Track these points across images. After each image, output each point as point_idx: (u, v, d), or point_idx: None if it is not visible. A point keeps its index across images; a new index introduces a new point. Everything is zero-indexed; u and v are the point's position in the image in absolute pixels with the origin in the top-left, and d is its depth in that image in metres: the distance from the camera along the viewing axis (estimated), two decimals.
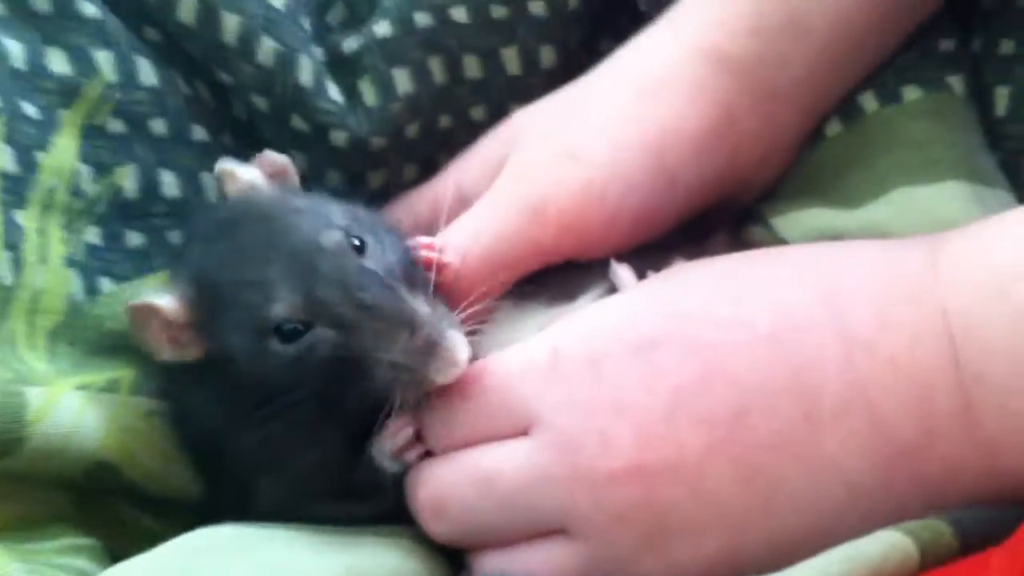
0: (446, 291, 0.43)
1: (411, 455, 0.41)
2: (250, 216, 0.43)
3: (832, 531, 0.35)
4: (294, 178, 0.46)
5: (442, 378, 0.40)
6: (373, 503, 0.42)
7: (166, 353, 0.42)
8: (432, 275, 0.43)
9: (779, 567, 0.34)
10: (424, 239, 0.44)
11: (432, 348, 0.39)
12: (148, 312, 0.41)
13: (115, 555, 0.41)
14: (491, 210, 0.45)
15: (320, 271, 0.40)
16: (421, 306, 0.40)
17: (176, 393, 0.44)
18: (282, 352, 0.40)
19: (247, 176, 0.45)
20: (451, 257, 0.43)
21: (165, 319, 0.41)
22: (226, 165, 0.45)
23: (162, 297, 0.41)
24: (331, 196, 0.47)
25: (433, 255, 0.43)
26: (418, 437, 0.42)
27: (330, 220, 0.42)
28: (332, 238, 0.41)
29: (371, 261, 0.41)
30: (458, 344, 0.40)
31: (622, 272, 0.45)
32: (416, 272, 0.42)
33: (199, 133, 0.49)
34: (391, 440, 0.41)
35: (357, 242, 0.42)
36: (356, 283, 0.40)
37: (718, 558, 0.37)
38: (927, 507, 0.35)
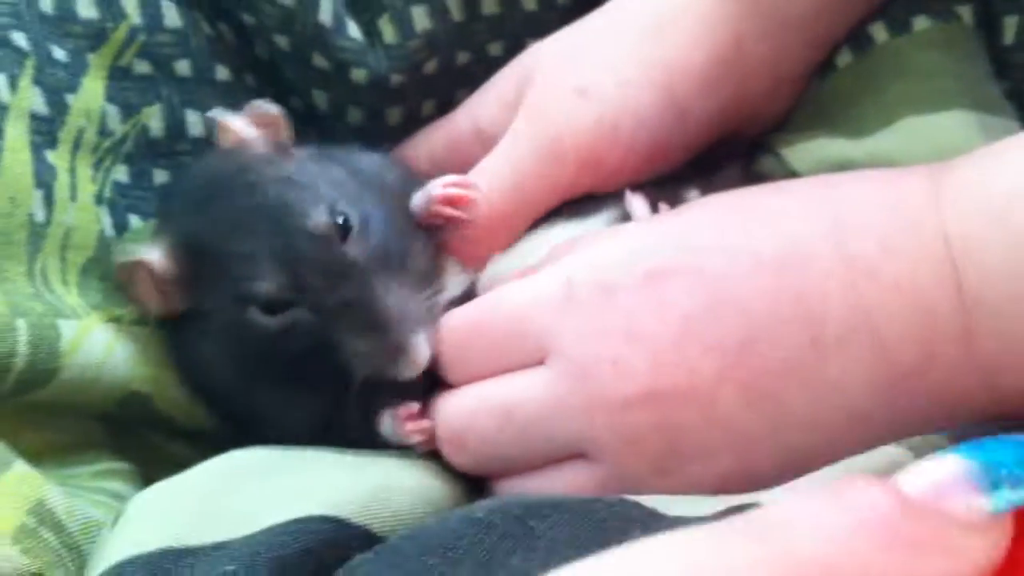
0: (469, 232, 0.45)
1: (416, 438, 0.43)
2: (237, 182, 0.44)
3: (836, 451, 0.36)
4: (286, 131, 0.46)
5: (404, 376, 0.42)
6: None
7: (153, 306, 0.44)
8: (456, 213, 0.45)
9: (785, 483, 0.35)
10: (451, 177, 0.46)
11: (397, 351, 0.41)
12: (137, 267, 0.43)
13: (149, 479, 0.42)
14: (509, 153, 0.46)
15: (304, 255, 0.41)
16: (394, 300, 0.42)
17: (173, 341, 0.45)
18: (262, 323, 0.42)
19: (239, 130, 0.45)
20: (476, 195, 0.45)
21: (152, 273, 0.43)
22: (219, 115, 0.45)
23: (150, 252, 0.43)
24: (331, 143, 0.48)
25: (457, 192, 0.45)
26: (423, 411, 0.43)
27: (317, 194, 0.43)
28: (318, 219, 0.42)
29: (354, 245, 0.42)
30: (420, 350, 0.42)
31: (636, 201, 0.46)
32: (400, 245, 0.44)
33: (222, 73, 0.50)
34: (397, 425, 0.43)
35: (342, 219, 0.42)
36: (336, 273, 0.41)
37: (728, 477, 0.38)
38: (928, 428, 0.36)
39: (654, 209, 0.46)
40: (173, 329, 0.45)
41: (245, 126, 0.45)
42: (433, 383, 0.43)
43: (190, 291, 0.43)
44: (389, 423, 0.43)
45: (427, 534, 0.33)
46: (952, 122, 0.45)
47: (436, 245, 0.46)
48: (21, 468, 0.38)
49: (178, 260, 0.43)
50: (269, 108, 0.46)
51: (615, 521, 0.33)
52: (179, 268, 0.43)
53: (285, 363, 0.42)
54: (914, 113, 0.46)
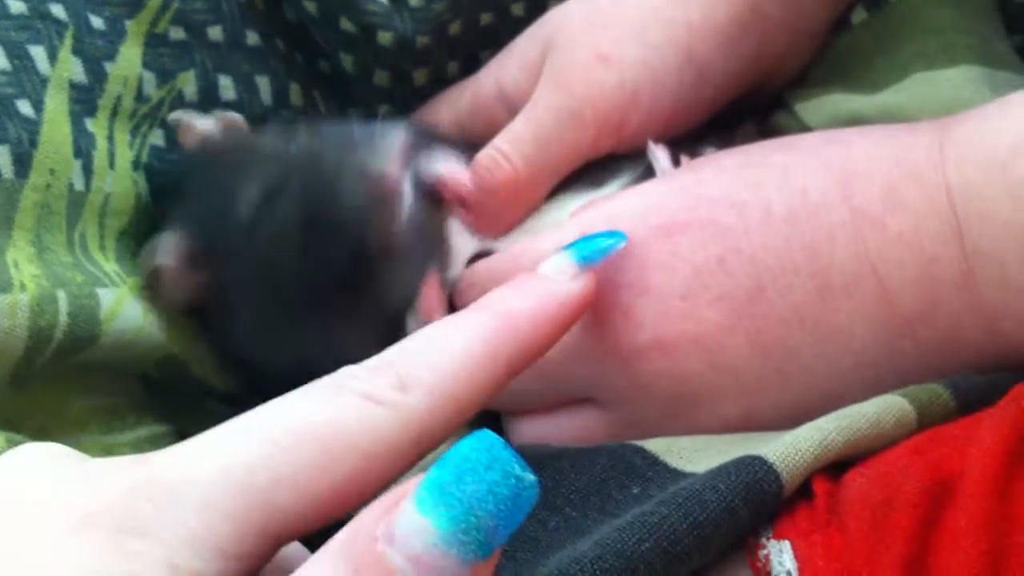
0: (491, 197, 0.47)
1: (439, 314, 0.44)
2: (214, 160, 0.46)
3: (841, 397, 0.37)
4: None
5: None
6: None
7: (183, 300, 0.45)
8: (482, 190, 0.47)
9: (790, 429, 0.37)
10: (481, 157, 0.47)
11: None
12: (157, 271, 0.45)
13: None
14: (532, 120, 0.47)
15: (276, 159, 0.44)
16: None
17: (211, 328, 0.47)
18: (270, 224, 0.43)
19: (201, 126, 0.47)
20: (505, 167, 0.46)
21: (173, 269, 0.44)
22: (183, 117, 0.47)
23: (164, 251, 0.45)
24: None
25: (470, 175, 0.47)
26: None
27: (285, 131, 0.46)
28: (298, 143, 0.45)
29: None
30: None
31: (659, 152, 0.47)
32: None
33: (252, 38, 0.51)
34: (424, 303, 0.44)
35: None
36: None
37: (735, 422, 0.39)
38: (931, 374, 0.37)
39: (675, 163, 0.47)
40: (207, 318, 0.46)
41: (207, 122, 0.47)
42: None
43: (210, 270, 0.45)
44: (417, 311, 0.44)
45: None
46: (960, 77, 0.46)
47: (444, 207, 0.47)
48: None
49: (189, 246, 0.44)
50: (235, 117, 0.48)
51: (616, 472, 0.34)
52: (192, 252, 0.44)
53: (322, 298, 0.43)
54: (925, 68, 0.46)
